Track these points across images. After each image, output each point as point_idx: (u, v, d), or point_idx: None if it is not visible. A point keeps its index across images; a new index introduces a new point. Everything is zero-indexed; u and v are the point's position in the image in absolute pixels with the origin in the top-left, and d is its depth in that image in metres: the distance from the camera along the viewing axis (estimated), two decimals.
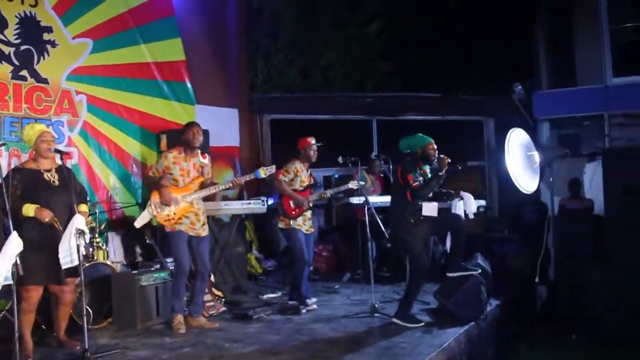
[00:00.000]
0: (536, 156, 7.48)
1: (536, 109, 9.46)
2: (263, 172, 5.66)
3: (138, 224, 5.61)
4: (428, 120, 10.57)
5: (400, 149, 5.67)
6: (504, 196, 10.12)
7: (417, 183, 5.42)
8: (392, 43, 13.76)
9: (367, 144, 10.44)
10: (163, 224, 5.60)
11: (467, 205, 6.10)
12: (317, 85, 13.15)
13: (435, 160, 5.62)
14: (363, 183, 7.26)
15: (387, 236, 6.45)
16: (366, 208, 6.33)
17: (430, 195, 5.56)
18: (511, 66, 11.01)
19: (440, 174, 5.53)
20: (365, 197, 6.43)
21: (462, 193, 6.09)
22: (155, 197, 5.56)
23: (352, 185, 6.78)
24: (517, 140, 7.36)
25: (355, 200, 7.65)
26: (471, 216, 6.08)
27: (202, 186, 5.70)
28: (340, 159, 6.33)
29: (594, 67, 9.43)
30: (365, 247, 6.86)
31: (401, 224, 5.58)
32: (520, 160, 7.32)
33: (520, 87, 9.49)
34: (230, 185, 5.68)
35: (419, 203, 5.50)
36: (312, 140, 6.61)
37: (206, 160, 5.82)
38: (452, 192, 5.92)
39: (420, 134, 5.71)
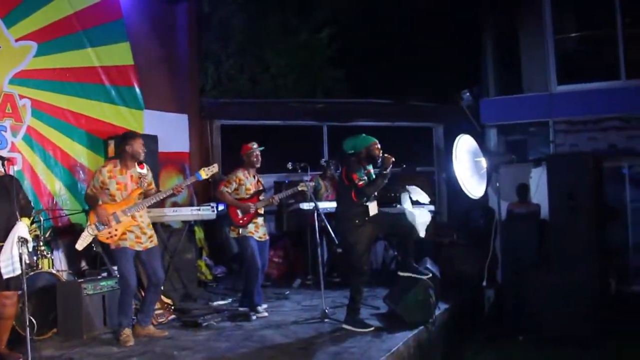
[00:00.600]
0: (483, 162, 7.54)
1: (483, 115, 9.61)
2: (204, 173, 5.56)
3: (80, 245, 5.45)
4: (378, 126, 10.57)
5: (344, 150, 5.66)
6: (453, 202, 10.20)
7: (362, 182, 5.39)
8: (342, 50, 13.78)
9: (318, 150, 10.42)
10: (106, 242, 5.48)
11: (415, 194, 6.16)
12: (267, 91, 13.11)
13: (380, 160, 5.61)
14: (313, 184, 7.42)
15: (337, 242, 6.35)
16: (316, 213, 6.29)
17: (376, 194, 5.56)
18: (460, 73, 11.14)
19: (385, 172, 5.51)
20: (315, 202, 6.38)
21: (407, 186, 6.15)
22: (93, 218, 5.44)
23: (302, 187, 6.69)
24: (464, 146, 7.45)
25: (305, 206, 7.62)
26: (425, 208, 6.12)
27: (145, 196, 5.59)
28: (289, 165, 6.33)
29: (539, 74, 9.63)
30: (316, 253, 6.70)
31: (346, 226, 5.56)
32: (468, 165, 7.40)
33: (468, 93, 9.66)
34: (172, 191, 5.56)
35: (364, 203, 5.48)
36: (254, 145, 6.53)
37: (144, 171, 5.67)
38: (398, 194, 6.04)
39: (364, 135, 5.70)
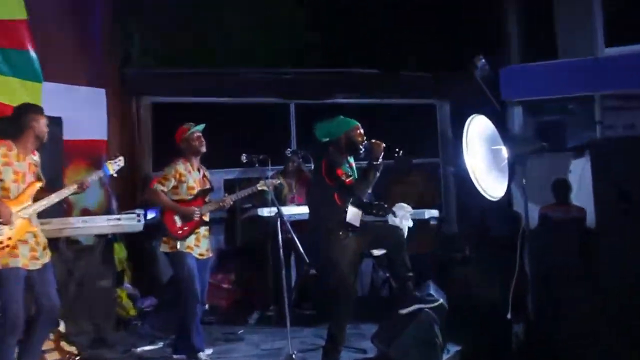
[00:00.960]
0: (504, 151, 7.17)
1: (505, 88, 9.41)
2: (111, 167, 5.61)
3: None
4: (363, 104, 10.43)
5: (317, 138, 5.72)
6: (464, 205, 10.03)
7: (351, 178, 5.52)
8: (317, 7, 13.51)
9: (283, 137, 10.26)
10: None
11: (401, 221, 6.27)
12: (217, 58, 12.74)
13: (364, 149, 5.62)
14: (278, 181, 7.39)
15: (309, 260, 6.25)
16: (279, 222, 6.33)
17: (363, 196, 5.63)
18: (471, 35, 10.90)
19: (376, 162, 5.52)
20: (278, 207, 6.33)
21: (396, 207, 6.18)
22: None
23: (261, 186, 6.69)
24: (479, 131, 7.17)
25: (266, 212, 7.56)
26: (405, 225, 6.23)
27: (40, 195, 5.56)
28: (244, 157, 6.26)
29: (580, 33, 9.57)
30: (280, 276, 6.56)
31: (325, 239, 5.61)
32: (484, 156, 7.13)
33: (483, 60, 9.53)
34: (76, 189, 5.49)
35: (344, 205, 5.61)
36: (191, 125, 6.49)
37: (37, 158, 5.65)
38: (386, 205, 5.87)
39: (342, 117, 5.77)
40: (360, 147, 5.70)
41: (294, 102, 10.58)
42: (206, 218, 6.56)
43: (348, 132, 5.76)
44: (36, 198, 5.49)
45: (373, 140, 5.66)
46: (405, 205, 6.43)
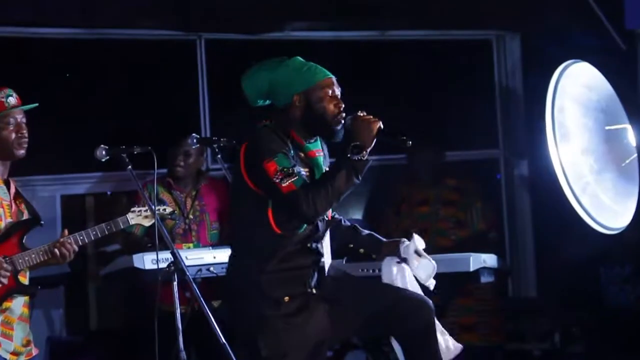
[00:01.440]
0: (630, 134, 5.89)
1: (631, 12, 7.05)
2: None
3: None
4: (341, 40, 7.83)
5: (249, 100, 4.47)
6: (551, 242, 7.84)
7: (289, 180, 4.25)
8: None
9: (185, 107, 7.87)
10: None
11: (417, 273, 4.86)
12: None
13: (340, 128, 4.36)
14: (169, 210, 5.61)
15: (234, 356, 4.42)
16: (176, 280, 4.65)
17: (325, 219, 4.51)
18: None
19: (358, 156, 4.25)
20: (174, 249, 4.59)
21: (405, 247, 4.70)
22: None
23: (136, 218, 5.04)
24: (578, 93, 6.16)
25: (148, 260, 5.62)
26: (428, 284, 4.77)
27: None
28: (101, 152, 4.66)
29: None
30: None
31: (253, 312, 4.34)
32: (590, 144, 6.14)
33: None
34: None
35: (296, 235, 4.33)
36: (3, 94, 4.81)
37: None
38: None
39: (300, 59, 4.44)
40: (334, 122, 4.34)
41: (204, 36, 7.67)
42: (25, 279, 4.87)
43: (310, 90, 4.38)
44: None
45: (360, 114, 4.32)
46: (422, 241, 4.72)
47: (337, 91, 4.37)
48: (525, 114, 7.96)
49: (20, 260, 4.43)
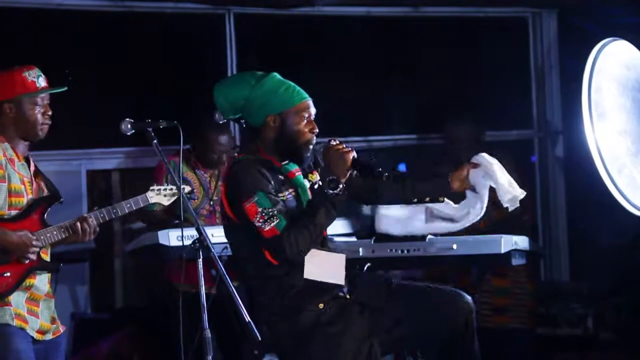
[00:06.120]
0: None
1: None
2: None
3: None
4: (371, 16, 7.77)
5: (220, 111, 4.49)
6: (586, 226, 7.87)
7: (271, 224, 4.26)
8: None
9: (211, 82, 8.13)
10: None
11: (498, 190, 4.80)
12: None
13: (310, 152, 4.44)
14: (188, 189, 5.58)
15: (260, 337, 4.24)
16: (201, 258, 4.32)
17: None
18: None
19: (336, 192, 4.27)
20: (200, 226, 4.32)
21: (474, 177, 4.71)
22: None
23: (156, 197, 5.01)
24: (618, 73, 5.32)
25: (173, 237, 5.65)
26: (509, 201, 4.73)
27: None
28: (127, 126, 4.52)
29: None
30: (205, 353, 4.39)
31: (298, 329, 4.37)
32: (629, 126, 5.28)
33: None
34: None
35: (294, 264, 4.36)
36: (30, 73, 4.84)
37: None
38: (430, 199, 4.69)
39: (278, 77, 4.49)
40: (305, 148, 4.40)
41: (233, 9, 7.70)
42: (46, 256, 4.81)
43: (286, 113, 4.44)
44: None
45: (333, 143, 4.33)
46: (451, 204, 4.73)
47: (313, 114, 4.39)
48: (561, 94, 8.02)
49: (42, 237, 4.52)
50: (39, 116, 4.58)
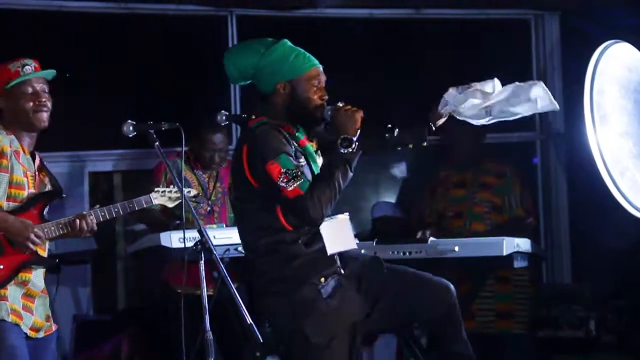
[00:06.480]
0: None
1: None
2: None
3: None
4: (378, 18, 7.81)
5: (230, 79, 4.59)
6: (588, 227, 7.80)
7: (294, 184, 4.26)
8: None
9: (214, 84, 7.76)
10: None
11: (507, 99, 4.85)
12: None
13: (324, 120, 4.41)
14: (194, 193, 5.79)
15: (260, 336, 4.29)
16: (203, 259, 4.38)
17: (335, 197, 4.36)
18: None
19: (349, 150, 4.30)
20: (202, 228, 4.37)
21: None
22: None
23: (160, 198, 5.02)
24: (620, 75, 5.50)
25: (175, 239, 5.67)
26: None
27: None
28: (128, 128, 4.54)
29: None
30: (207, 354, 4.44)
31: (297, 300, 4.36)
32: (632, 128, 5.51)
33: None
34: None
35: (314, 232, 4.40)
36: (20, 65, 4.82)
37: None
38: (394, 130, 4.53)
39: (288, 43, 4.47)
40: (316, 112, 4.36)
41: (235, 11, 7.75)
42: (43, 252, 4.76)
43: (296, 80, 4.41)
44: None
45: (341, 105, 4.33)
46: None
47: (323, 81, 4.41)
48: (563, 96, 7.85)
49: (43, 229, 4.45)
50: (30, 104, 4.51)
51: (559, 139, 8.13)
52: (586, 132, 5.19)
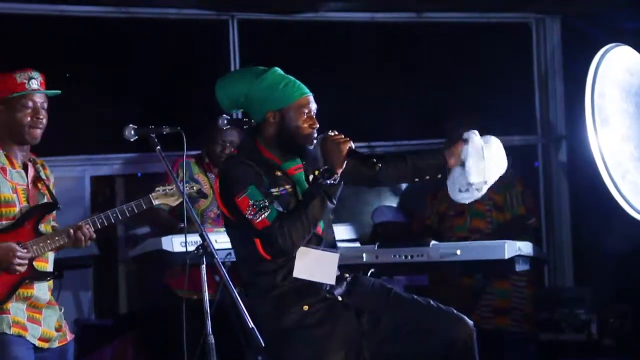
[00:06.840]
0: None
1: None
2: None
3: None
4: (380, 21, 7.77)
5: (222, 107, 4.46)
6: (589, 231, 7.89)
7: (262, 216, 4.22)
8: None
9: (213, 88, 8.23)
10: None
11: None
12: None
13: (312, 145, 4.35)
14: (195, 189, 5.52)
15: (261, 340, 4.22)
16: (204, 264, 4.32)
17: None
18: None
19: (330, 181, 4.21)
20: (203, 231, 4.30)
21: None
22: None
23: (160, 198, 4.95)
24: (621, 78, 5.80)
25: (177, 243, 5.68)
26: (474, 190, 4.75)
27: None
28: (130, 132, 4.50)
29: None
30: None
31: (278, 330, 4.34)
32: (633, 131, 5.78)
33: None
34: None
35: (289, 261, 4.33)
36: (23, 77, 4.75)
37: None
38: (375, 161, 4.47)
39: (279, 71, 4.44)
40: (307, 142, 4.35)
41: (237, 15, 7.70)
42: (44, 265, 4.74)
43: (286, 109, 4.38)
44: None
45: (331, 134, 4.34)
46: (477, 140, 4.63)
47: (313, 109, 4.36)
48: (564, 99, 7.97)
49: (34, 247, 4.40)
50: (27, 119, 4.45)
51: (561, 142, 8.11)
52: (588, 135, 5.48)
